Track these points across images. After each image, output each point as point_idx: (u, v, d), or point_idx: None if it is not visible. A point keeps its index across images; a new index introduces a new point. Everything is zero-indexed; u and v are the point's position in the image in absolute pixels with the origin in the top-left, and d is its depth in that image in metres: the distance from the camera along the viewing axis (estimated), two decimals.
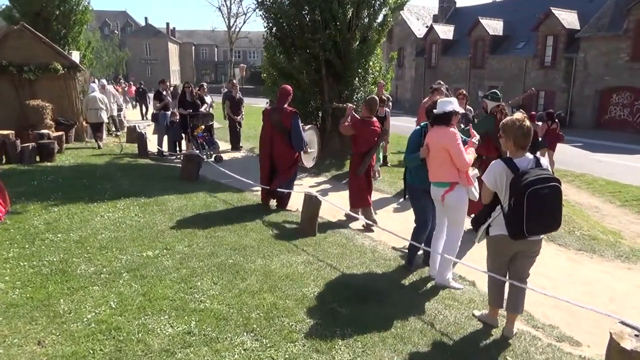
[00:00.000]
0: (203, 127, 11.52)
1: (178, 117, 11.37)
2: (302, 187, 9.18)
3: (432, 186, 4.59)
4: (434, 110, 4.50)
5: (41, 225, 5.64)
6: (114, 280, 4.23)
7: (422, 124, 4.94)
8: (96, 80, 15.03)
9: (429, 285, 4.72)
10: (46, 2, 20.09)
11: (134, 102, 29.38)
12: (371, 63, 11.71)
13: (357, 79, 11.49)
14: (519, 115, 3.53)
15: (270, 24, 11.72)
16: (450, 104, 4.47)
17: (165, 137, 12.05)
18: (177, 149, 12.01)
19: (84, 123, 13.12)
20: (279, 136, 6.91)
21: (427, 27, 40.32)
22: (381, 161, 10.46)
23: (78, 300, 3.84)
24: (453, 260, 4.56)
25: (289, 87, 7.14)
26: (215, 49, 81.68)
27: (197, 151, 11.45)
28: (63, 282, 4.15)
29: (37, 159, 9.54)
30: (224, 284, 4.26)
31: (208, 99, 12.53)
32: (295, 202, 7.24)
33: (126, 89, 32.20)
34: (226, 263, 4.75)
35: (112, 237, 5.35)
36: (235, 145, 13.51)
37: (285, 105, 6.91)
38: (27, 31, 12.20)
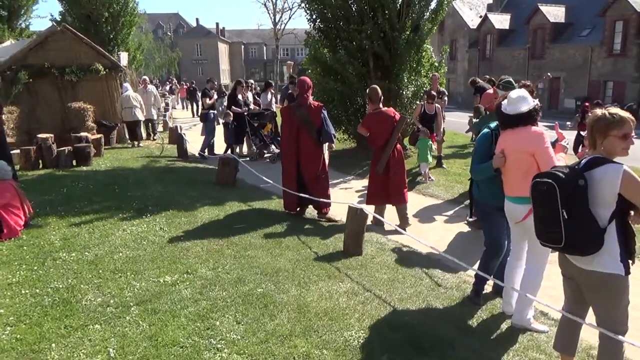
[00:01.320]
0: (271, 126, 11.03)
1: (232, 117, 10.82)
2: (349, 192, 8.35)
3: (509, 203, 3.62)
4: (507, 110, 3.52)
5: (57, 241, 5.12)
6: (121, 316, 3.57)
7: (491, 125, 3.97)
8: (146, 79, 14.49)
9: (504, 326, 3.76)
10: (95, 5, 20.33)
11: (185, 103, 29.49)
12: (423, 54, 10.67)
13: (407, 72, 10.50)
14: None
15: (315, 16, 10.94)
16: (525, 100, 3.48)
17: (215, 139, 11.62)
18: (231, 151, 11.40)
19: (123, 123, 12.85)
20: (305, 134, 6.26)
21: (480, 17, 38.25)
22: (433, 162, 9.44)
23: (73, 345, 3.18)
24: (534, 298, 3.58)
25: (307, 79, 6.56)
26: (264, 48, 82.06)
27: (258, 151, 11.08)
28: (62, 317, 3.53)
29: (74, 163, 9.22)
30: (248, 323, 3.50)
31: (250, 96, 11.95)
32: (338, 212, 6.43)
33: (176, 90, 32.47)
34: (254, 293, 3.99)
35: (130, 256, 4.72)
36: None
37: (310, 100, 6.34)
38: (68, 32, 12.04)
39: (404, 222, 6.23)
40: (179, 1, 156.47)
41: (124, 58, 20.52)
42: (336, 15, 10.49)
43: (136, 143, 12.53)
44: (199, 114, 11.93)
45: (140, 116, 12.48)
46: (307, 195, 6.28)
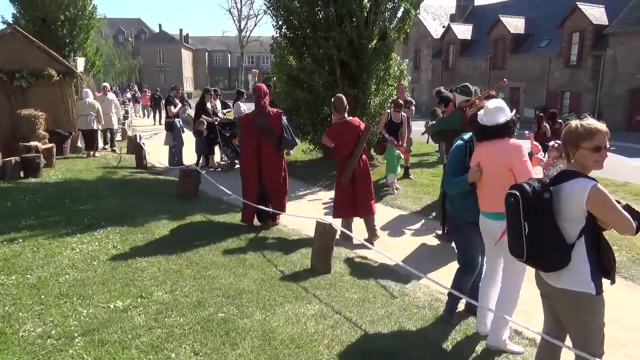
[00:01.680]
0: None
1: (205, 126, 10.40)
2: (315, 203, 8.10)
3: (484, 218, 3.45)
4: (483, 121, 3.36)
5: None
6: (62, 349, 3.19)
7: (465, 137, 3.81)
8: (106, 86, 13.60)
9: (479, 348, 3.58)
10: (51, 7, 19.46)
11: (147, 111, 28.64)
12: (391, 63, 10.59)
13: (374, 81, 10.39)
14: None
15: (280, 22, 10.72)
16: (503, 111, 3.33)
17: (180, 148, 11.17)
18: (204, 161, 10.95)
19: (79, 132, 12.22)
20: (266, 142, 6.13)
21: (444, 27, 39.01)
22: (400, 172, 9.33)
23: None
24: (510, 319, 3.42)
25: (263, 85, 6.46)
26: (229, 55, 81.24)
27: (230, 161, 10.69)
28: None
29: (22, 174, 8.61)
30: (207, 354, 3.19)
31: (217, 103, 11.58)
32: (302, 225, 6.19)
33: (139, 97, 31.49)
34: (215, 318, 3.68)
35: (78, 279, 4.32)
36: None
37: (268, 107, 6.21)
38: (19, 35, 11.37)
39: (372, 235, 6.05)
40: (141, 6, 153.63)
41: (80, 64, 19.70)
42: (303, 22, 10.30)
43: (92, 153, 11.91)
44: (164, 122, 11.38)
45: (97, 125, 11.85)
46: (267, 209, 6.10)
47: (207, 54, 79.98)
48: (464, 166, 3.59)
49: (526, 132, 7.58)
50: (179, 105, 11.36)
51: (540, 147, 3.61)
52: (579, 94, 27.91)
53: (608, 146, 2.55)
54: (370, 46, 10.08)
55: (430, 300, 4.34)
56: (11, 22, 19.86)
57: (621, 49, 24.66)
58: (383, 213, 7.42)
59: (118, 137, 16.08)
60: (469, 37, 37.25)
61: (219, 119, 10.71)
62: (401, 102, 9.15)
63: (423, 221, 7.20)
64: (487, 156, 3.33)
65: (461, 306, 4.11)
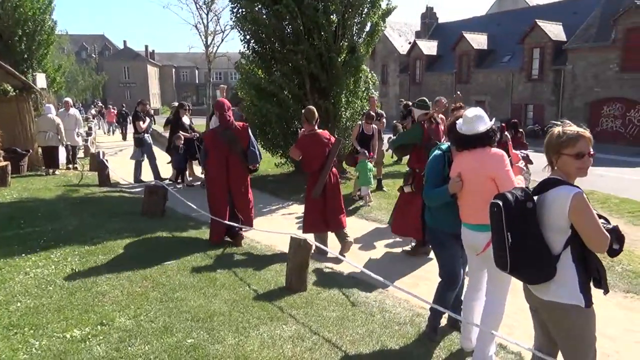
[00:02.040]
0: None
1: (182, 141, 10.04)
2: (288, 218, 7.86)
3: (467, 230, 3.31)
4: (462, 130, 3.24)
5: None
6: None
7: (442, 146, 3.69)
8: (68, 101, 12.73)
9: None
10: (8, 23, 18.77)
11: (113, 128, 27.84)
12: (360, 76, 10.55)
13: (344, 94, 10.31)
14: None
15: (248, 37, 10.55)
16: (482, 120, 3.22)
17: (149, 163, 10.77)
18: (181, 177, 10.53)
19: (38, 149, 11.65)
20: (234, 158, 5.98)
21: (409, 43, 39.76)
22: (373, 185, 9.22)
23: None
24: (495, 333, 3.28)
25: (224, 99, 6.39)
26: (196, 71, 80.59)
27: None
28: None
29: None
30: None
31: (186, 119, 11.23)
32: (275, 241, 5.96)
33: (104, 113, 30.65)
34: (183, 345, 3.39)
35: (31, 306, 3.95)
36: None
37: (233, 121, 6.06)
38: None
39: (346, 246, 5.87)
40: (105, 22, 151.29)
41: (40, 80, 19.02)
42: (271, 36, 10.16)
43: (51, 171, 11.34)
44: (134, 138, 10.89)
45: (56, 141, 11.30)
46: (238, 225, 5.94)
47: (174, 70, 79.13)
48: (443, 177, 3.46)
49: None
50: (147, 120, 10.97)
51: (519, 155, 3.51)
52: (542, 107, 28.75)
53: (592, 152, 2.46)
54: (339, 59, 10.01)
55: (412, 315, 4.16)
56: None
57: (579, 64, 25.60)
58: (358, 226, 7.25)
59: (80, 154, 15.49)
60: (434, 53, 38.04)
61: (197, 134, 10.40)
62: (373, 114, 9.09)
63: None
64: (468, 166, 3.20)
65: (443, 321, 3.95)
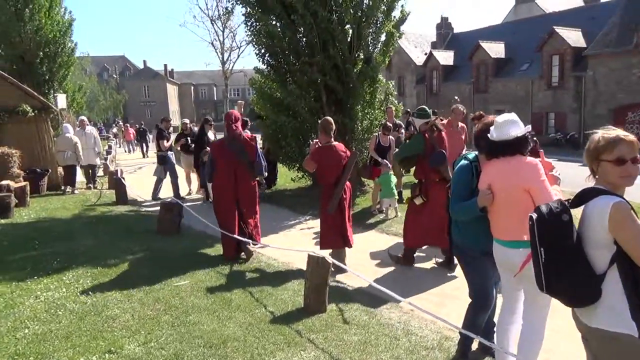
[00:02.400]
0: None
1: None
2: (305, 233, 7.62)
3: (499, 247, 3.02)
4: (493, 136, 2.97)
5: None
6: None
7: (469, 155, 3.42)
8: (84, 120, 12.65)
9: None
10: (30, 45, 19.19)
11: (132, 146, 28.19)
12: (377, 87, 10.34)
13: (360, 105, 10.11)
14: None
15: (263, 51, 10.47)
16: (515, 124, 2.96)
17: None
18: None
19: (57, 168, 11.70)
20: (242, 169, 5.94)
21: (425, 54, 39.55)
22: (396, 196, 8.95)
23: None
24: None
25: (234, 111, 6.35)
26: (214, 88, 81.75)
27: None
28: None
29: None
30: None
31: (211, 135, 11.02)
32: (292, 258, 5.72)
33: (119, 133, 31.04)
34: None
35: (39, 333, 3.78)
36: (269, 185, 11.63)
37: (242, 132, 6.03)
38: None
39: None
40: (125, 44, 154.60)
41: (61, 100, 19.31)
42: (285, 49, 10.05)
43: (69, 190, 11.36)
44: (157, 155, 10.71)
45: (73, 160, 11.34)
46: (246, 239, 5.85)
47: (192, 87, 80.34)
48: (471, 189, 3.18)
49: None
50: (172, 138, 10.87)
51: (552, 163, 3.23)
52: (563, 115, 28.13)
53: (638, 158, 2.17)
54: (355, 70, 9.84)
55: (440, 339, 3.87)
56: None
57: (600, 70, 25.01)
58: (380, 241, 6.98)
59: (100, 172, 15.57)
60: (451, 63, 37.74)
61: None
62: (389, 125, 8.86)
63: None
64: (499, 177, 2.93)
65: (475, 345, 3.65)
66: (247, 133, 6.26)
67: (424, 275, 5.65)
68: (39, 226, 7.50)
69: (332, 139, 5.62)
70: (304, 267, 4.46)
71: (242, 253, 5.98)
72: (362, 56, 10.15)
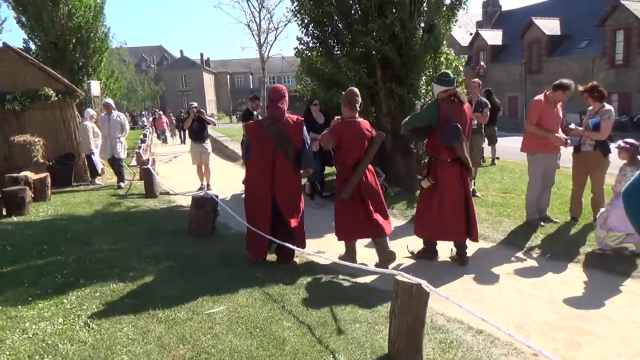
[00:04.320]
0: None
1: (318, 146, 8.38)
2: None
3: None
4: None
5: None
6: None
7: None
8: (110, 103, 10.34)
9: None
10: (61, 31, 18.52)
11: (165, 136, 27.23)
12: (441, 60, 8.81)
13: (423, 80, 8.62)
14: None
15: (307, 20, 9.09)
16: None
17: None
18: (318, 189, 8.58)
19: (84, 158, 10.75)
20: (282, 157, 4.74)
21: (471, 34, 37.19)
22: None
23: None
24: None
25: (281, 85, 5.04)
26: (250, 77, 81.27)
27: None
28: None
29: (4, 212, 7.06)
30: None
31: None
32: (359, 273, 4.38)
33: (150, 120, 30.01)
34: None
35: None
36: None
37: (287, 114, 4.83)
38: (10, 51, 10.05)
39: (385, 259, 4.88)
40: (163, 34, 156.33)
41: (94, 87, 18.58)
42: (334, 16, 8.64)
43: (95, 180, 10.42)
44: (242, 142, 9.13)
45: (93, 149, 10.38)
46: (286, 244, 4.58)
47: (228, 76, 79.95)
48: None
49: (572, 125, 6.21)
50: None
51: None
52: (628, 95, 25.63)
53: None
54: (416, 39, 8.33)
55: None
56: (22, 48, 18.98)
57: None
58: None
59: (133, 162, 14.65)
60: (499, 43, 35.38)
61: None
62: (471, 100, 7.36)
63: (518, 254, 5.32)
64: None
65: None
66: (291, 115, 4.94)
67: (537, 299, 4.21)
68: (53, 225, 6.43)
69: (357, 114, 4.91)
70: (383, 287, 3.14)
71: (279, 259, 4.90)
72: (422, 24, 8.66)
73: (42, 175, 8.52)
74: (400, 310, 2.93)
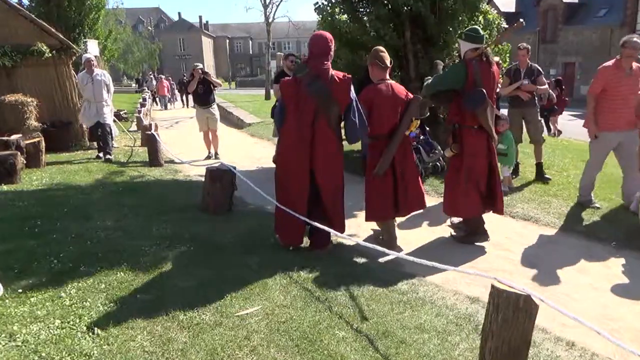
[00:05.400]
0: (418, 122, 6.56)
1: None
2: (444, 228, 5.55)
3: None
4: None
5: None
6: None
7: None
8: (91, 60, 8.93)
9: None
10: None
11: (165, 101, 25.63)
12: (480, 18, 7.94)
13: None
14: None
15: None
16: None
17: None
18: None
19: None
20: (324, 123, 3.93)
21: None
22: (525, 171, 6.74)
23: None
24: None
25: (326, 33, 4.10)
26: (250, 42, 79.19)
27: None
28: None
29: None
30: None
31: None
32: (416, 265, 3.71)
33: (154, 84, 28.44)
34: None
35: None
36: None
37: (331, 69, 3.92)
38: None
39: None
40: None
41: (92, 46, 17.53)
42: None
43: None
44: (273, 107, 7.68)
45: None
46: (323, 227, 3.80)
47: (227, 41, 77.83)
48: None
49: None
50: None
51: None
52: None
53: None
54: None
55: None
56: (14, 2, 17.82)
57: None
58: (508, 227, 4.94)
59: (133, 127, 13.84)
60: (512, 9, 33.95)
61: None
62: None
63: (585, 242, 4.66)
64: None
65: None
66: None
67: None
68: (48, 197, 5.69)
69: (388, 75, 4.35)
70: (459, 288, 2.50)
71: (314, 244, 4.21)
72: None
73: (36, 139, 7.72)
74: (500, 328, 2.24)
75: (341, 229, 4.11)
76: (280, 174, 4.11)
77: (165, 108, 25.26)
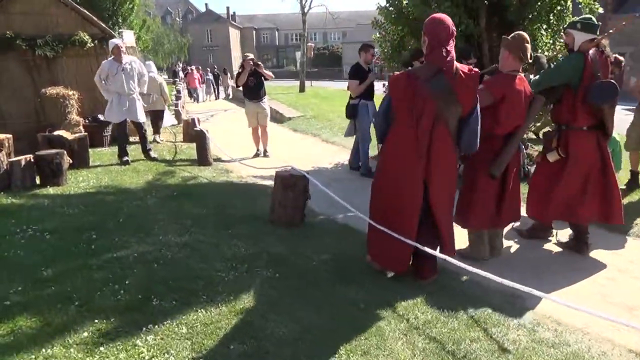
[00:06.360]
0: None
1: None
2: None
3: None
4: None
5: None
6: None
7: None
8: (120, 46, 7.09)
9: None
10: None
11: (196, 94, 24.96)
12: (569, 3, 7.11)
13: (544, 30, 6.97)
14: None
15: None
16: None
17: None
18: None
19: None
20: (443, 128, 3.20)
21: None
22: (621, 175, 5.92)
23: None
24: None
25: (447, 17, 3.27)
26: (277, 33, 78.61)
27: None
28: None
29: (37, 181, 5.80)
30: None
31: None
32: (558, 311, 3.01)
33: (183, 76, 27.78)
34: None
35: None
36: None
37: (455, 62, 3.17)
38: None
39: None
40: None
41: (128, 37, 17.13)
42: None
43: (156, 137, 9.58)
44: (347, 105, 7.17)
45: (162, 104, 9.57)
46: (434, 252, 3.21)
47: (254, 32, 77.31)
48: None
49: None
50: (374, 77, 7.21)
51: None
52: None
53: None
54: None
55: None
56: None
57: None
58: (632, 249, 4.19)
59: (173, 120, 13.26)
60: None
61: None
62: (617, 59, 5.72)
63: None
64: None
65: None
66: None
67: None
68: (98, 202, 5.13)
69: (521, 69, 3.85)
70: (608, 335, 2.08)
71: (421, 273, 3.49)
72: None
73: (82, 135, 7.18)
74: None
75: (452, 252, 3.42)
76: (385, 190, 3.40)
77: (197, 101, 24.59)
